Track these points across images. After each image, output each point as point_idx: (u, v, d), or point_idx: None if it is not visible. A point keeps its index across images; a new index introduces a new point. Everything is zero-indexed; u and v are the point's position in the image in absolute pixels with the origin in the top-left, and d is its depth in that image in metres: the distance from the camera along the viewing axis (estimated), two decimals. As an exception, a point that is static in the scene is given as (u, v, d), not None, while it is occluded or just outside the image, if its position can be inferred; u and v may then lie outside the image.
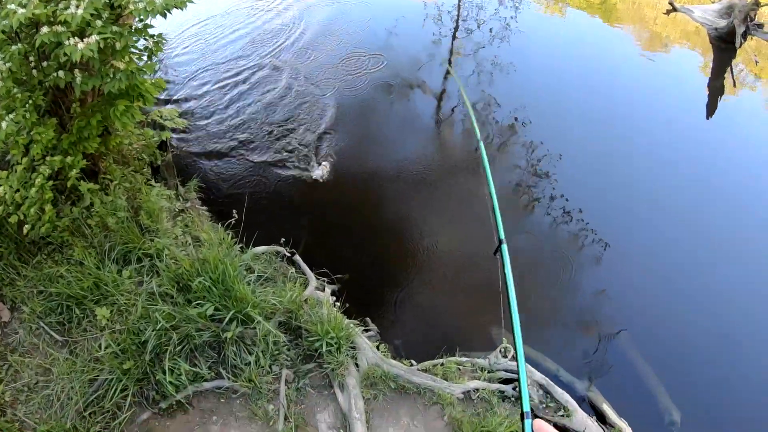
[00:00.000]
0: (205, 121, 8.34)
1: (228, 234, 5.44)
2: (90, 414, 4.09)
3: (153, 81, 4.89)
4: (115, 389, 4.10)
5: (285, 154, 7.79)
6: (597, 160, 8.23)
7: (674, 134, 9.00)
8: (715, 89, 10.88)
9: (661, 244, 7.00)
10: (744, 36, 10.97)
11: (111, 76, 4.20)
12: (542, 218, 7.13)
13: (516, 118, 8.80)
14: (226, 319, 4.36)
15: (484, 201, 7.10)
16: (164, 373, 4.14)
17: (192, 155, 7.56)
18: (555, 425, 4.68)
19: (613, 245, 6.75)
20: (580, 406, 4.89)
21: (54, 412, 4.11)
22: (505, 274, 1.57)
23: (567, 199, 7.32)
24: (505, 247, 1.81)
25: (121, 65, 4.21)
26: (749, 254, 6.99)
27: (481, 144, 2.84)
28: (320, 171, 7.36)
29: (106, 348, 4.29)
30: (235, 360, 4.34)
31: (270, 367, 4.40)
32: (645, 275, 6.57)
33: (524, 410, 1.49)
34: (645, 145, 8.63)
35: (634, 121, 9.12)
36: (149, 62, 4.72)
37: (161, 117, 6.90)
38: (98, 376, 4.21)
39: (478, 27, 11.79)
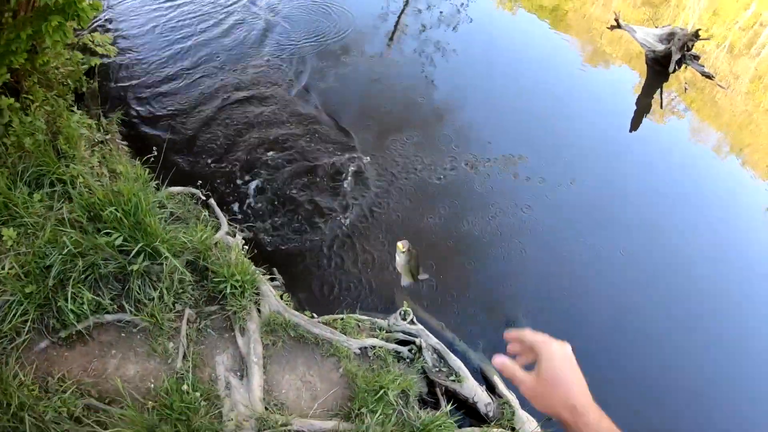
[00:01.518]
0: (142, 54, 8.17)
1: (145, 170, 5.41)
2: (-12, 337, 4.03)
3: (90, 2, 4.76)
4: (16, 312, 4.02)
5: (224, 96, 7.77)
6: (523, 149, 8.48)
7: (595, 138, 9.40)
8: (643, 106, 11.46)
9: (569, 229, 7.36)
10: (678, 63, 11.52)
11: (49, -13, 4.09)
12: (461, 199, 7.33)
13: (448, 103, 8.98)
14: (134, 252, 4.33)
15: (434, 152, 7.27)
16: (66, 300, 4.09)
17: (120, 86, 7.41)
18: (446, 389, 4.97)
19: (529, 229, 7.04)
20: (471, 374, 5.14)
21: (-49, 336, 4.02)
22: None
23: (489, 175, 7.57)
24: None
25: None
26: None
27: None
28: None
29: (9, 269, 4.23)
30: (139, 294, 4.32)
31: (173, 304, 4.41)
32: (550, 261, 6.89)
33: None
34: (568, 138, 8.98)
35: (561, 121, 9.44)
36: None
37: (93, 42, 6.68)
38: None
39: (428, 8, 11.87)
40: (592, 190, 8.16)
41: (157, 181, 5.42)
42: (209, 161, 6.70)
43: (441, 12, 11.84)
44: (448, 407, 4.69)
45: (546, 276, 6.71)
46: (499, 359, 1.34)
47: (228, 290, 4.51)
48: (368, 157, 7.27)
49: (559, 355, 1.29)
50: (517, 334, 1.38)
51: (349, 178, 6.96)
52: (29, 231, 4.50)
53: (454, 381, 4.99)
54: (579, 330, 6.17)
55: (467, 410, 5.05)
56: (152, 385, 4.03)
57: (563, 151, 8.62)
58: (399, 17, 11.26)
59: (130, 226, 4.42)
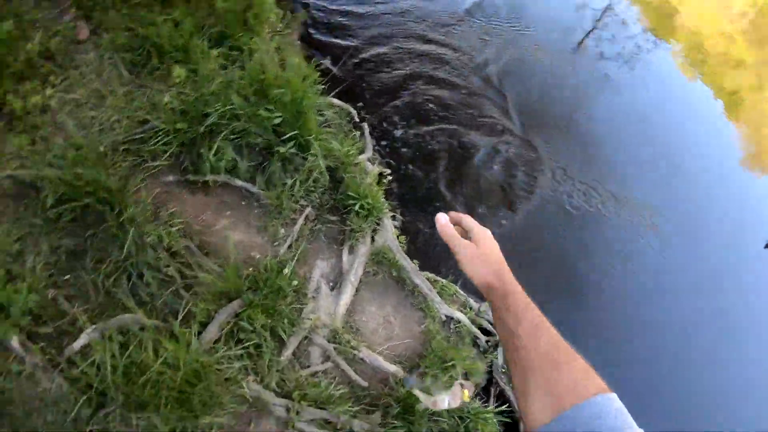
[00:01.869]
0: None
1: (315, 72, 5.49)
2: (125, 150, 4.21)
3: None
4: (160, 140, 4.21)
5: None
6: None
7: (732, 234, 8.89)
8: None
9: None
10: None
11: None
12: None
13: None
14: (286, 136, 4.43)
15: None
16: (210, 150, 4.23)
17: (305, 2, 7.54)
18: (501, 392, 4.87)
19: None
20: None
21: (93, 132, 4.21)
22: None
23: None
24: None
25: None
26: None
27: None
28: None
29: (168, 101, 4.40)
30: (274, 175, 4.44)
31: (300, 198, 4.51)
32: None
33: None
34: (704, 218, 8.55)
35: (701, 201, 8.98)
36: None
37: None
38: (151, 121, 4.32)
39: (612, 39, 11.64)
40: (711, 275, 7.77)
41: (323, 87, 5.51)
42: (367, 94, 6.73)
43: (623, 47, 11.58)
44: (497, 408, 4.60)
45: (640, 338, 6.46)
46: (444, 219, 1.36)
47: (355, 208, 4.56)
48: (533, 154, 7.16)
49: (491, 240, 1.34)
50: (458, 216, 1.40)
51: (499, 163, 6.86)
52: (198, 78, 4.66)
53: (512, 389, 4.88)
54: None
55: (509, 423, 4.94)
56: (257, 256, 4.11)
57: (698, 230, 8.25)
58: (585, 36, 11.10)
59: (291, 113, 4.50)
